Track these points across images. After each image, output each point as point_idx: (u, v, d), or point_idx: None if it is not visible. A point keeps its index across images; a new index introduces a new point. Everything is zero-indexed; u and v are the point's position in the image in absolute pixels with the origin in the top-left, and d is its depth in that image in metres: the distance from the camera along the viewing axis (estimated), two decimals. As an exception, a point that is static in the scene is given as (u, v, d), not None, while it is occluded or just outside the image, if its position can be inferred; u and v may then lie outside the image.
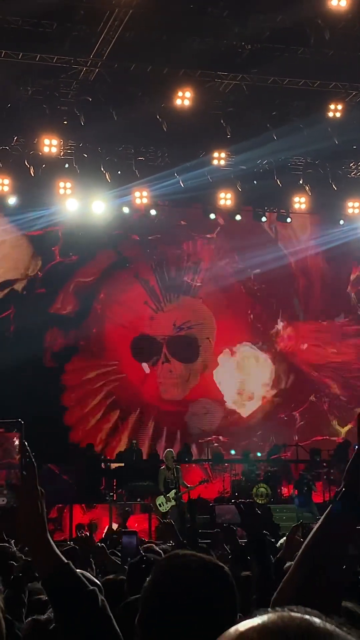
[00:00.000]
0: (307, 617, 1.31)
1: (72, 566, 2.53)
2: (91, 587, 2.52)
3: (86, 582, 2.52)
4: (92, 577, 3.97)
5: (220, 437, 24.28)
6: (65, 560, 2.53)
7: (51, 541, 2.52)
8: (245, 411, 24.73)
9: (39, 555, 2.55)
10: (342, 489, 2.36)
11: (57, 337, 23.62)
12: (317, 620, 1.31)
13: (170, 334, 24.50)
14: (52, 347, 23.50)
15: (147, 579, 2.43)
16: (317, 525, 2.40)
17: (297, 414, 25.05)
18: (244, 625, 1.33)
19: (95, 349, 24.02)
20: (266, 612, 1.33)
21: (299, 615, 1.32)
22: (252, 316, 25.25)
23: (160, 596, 2.37)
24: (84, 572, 4.44)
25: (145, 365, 24.26)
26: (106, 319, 24.15)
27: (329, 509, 2.40)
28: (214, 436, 24.29)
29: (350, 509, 2.36)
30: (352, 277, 25.96)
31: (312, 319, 25.63)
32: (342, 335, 25.80)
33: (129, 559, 6.04)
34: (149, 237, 24.28)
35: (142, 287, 24.41)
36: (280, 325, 25.33)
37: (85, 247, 23.39)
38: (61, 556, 2.53)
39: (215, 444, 24.05)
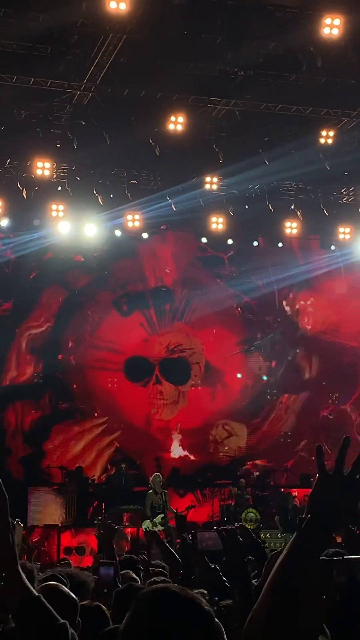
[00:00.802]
0: None
1: (43, 599, 2.51)
2: (61, 621, 2.49)
3: (56, 615, 2.50)
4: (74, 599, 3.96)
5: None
6: (36, 594, 2.51)
7: (22, 573, 2.50)
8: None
9: (9, 587, 2.52)
10: (307, 516, 2.39)
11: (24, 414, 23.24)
12: None
13: (163, 356, 24.51)
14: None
15: (128, 612, 2.40)
16: (284, 553, 2.42)
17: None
18: None
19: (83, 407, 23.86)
20: None
21: None
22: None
23: (138, 631, 2.33)
24: (60, 586, 4.40)
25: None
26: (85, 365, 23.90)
27: (294, 536, 2.44)
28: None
29: (316, 536, 2.39)
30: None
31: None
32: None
33: (105, 590, 6.00)
34: (141, 261, 24.38)
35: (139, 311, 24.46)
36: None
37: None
38: (32, 589, 2.51)
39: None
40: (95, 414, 23.78)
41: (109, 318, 24.16)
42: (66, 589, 4.56)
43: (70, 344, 23.84)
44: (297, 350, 25.76)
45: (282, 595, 2.35)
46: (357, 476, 2.44)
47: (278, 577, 2.38)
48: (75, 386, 23.89)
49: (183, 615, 2.32)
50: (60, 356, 23.75)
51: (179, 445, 24.31)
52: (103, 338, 24.08)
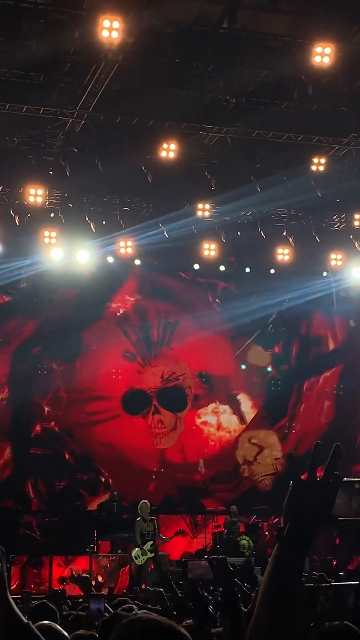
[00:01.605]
0: None
1: (32, 626, 2.49)
2: None
3: None
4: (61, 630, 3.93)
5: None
6: (25, 621, 2.50)
7: (11, 600, 2.49)
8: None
9: None
10: (285, 525, 2.43)
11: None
12: None
13: (158, 386, 24.41)
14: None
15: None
16: (269, 564, 2.46)
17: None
18: None
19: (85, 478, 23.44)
20: None
21: None
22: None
23: None
24: (53, 624, 4.40)
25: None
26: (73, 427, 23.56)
27: (276, 546, 2.48)
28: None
29: (297, 543, 2.44)
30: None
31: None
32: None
33: (95, 622, 5.97)
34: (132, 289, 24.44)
35: (127, 340, 24.33)
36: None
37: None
38: (21, 616, 2.49)
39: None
40: (102, 487, 23.28)
41: (81, 362, 23.72)
42: (59, 627, 4.59)
43: (46, 411, 23.28)
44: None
45: (277, 602, 2.39)
46: (330, 480, 2.48)
47: (268, 587, 2.42)
48: (67, 456, 23.34)
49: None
50: (38, 427, 23.22)
51: (208, 483, 24.05)
52: (84, 388, 23.67)
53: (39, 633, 2.51)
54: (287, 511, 2.50)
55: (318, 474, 2.50)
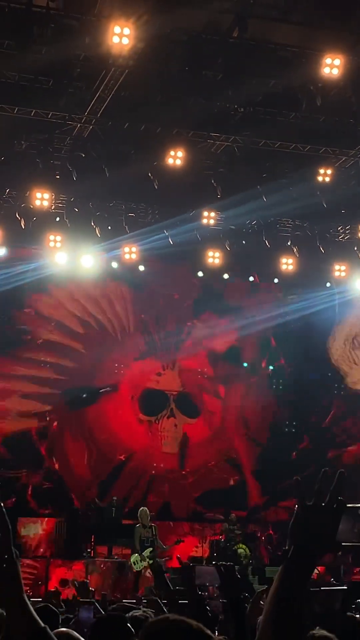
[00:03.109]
0: None
1: (49, 630, 2.51)
2: None
3: None
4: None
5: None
6: (42, 625, 2.51)
7: (28, 603, 2.51)
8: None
9: (15, 617, 2.53)
10: (290, 547, 2.53)
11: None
12: None
13: (177, 390, 24.63)
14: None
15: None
16: (274, 585, 2.53)
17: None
18: None
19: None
20: None
21: None
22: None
23: None
24: (71, 632, 4.43)
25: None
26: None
27: (281, 568, 2.54)
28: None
29: (301, 565, 2.52)
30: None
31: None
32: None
33: (84, 629, 5.97)
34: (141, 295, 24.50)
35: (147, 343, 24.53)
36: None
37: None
38: (38, 620, 2.51)
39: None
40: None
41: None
42: (77, 634, 4.62)
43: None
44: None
45: (280, 628, 2.44)
46: (335, 505, 2.56)
47: (272, 610, 2.48)
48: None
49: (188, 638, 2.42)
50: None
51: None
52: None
53: (54, 637, 2.52)
54: (292, 534, 2.56)
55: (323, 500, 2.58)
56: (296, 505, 2.61)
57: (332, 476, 2.60)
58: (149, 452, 23.99)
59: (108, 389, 23.87)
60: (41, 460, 22.97)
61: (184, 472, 24.19)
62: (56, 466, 23.05)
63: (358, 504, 2.75)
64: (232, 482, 24.60)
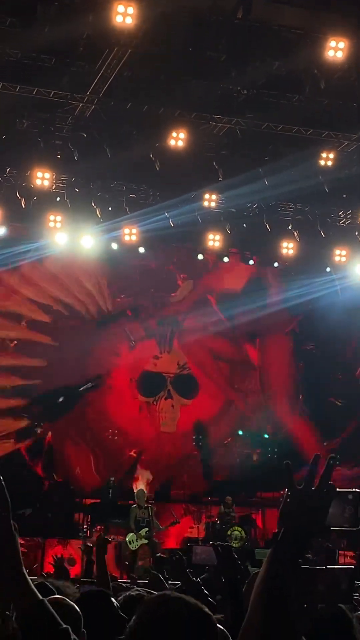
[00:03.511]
0: None
1: (47, 603, 2.51)
2: (64, 626, 2.51)
3: (59, 620, 2.52)
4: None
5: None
6: (40, 598, 2.52)
7: (27, 577, 2.51)
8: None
9: (14, 591, 2.54)
10: (280, 530, 2.56)
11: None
12: None
13: (175, 372, 24.71)
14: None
15: (133, 618, 2.46)
16: (263, 567, 2.56)
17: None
18: None
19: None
20: None
21: None
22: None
23: (143, 637, 2.41)
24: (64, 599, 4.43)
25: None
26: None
27: (270, 550, 2.58)
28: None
29: (290, 549, 2.54)
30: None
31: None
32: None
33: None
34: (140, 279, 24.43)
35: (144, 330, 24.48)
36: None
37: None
38: (37, 593, 2.52)
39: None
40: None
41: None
42: (71, 602, 4.61)
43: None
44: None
45: (269, 608, 2.46)
46: (324, 490, 2.60)
47: (261, 591, 2.50)
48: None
49: (190, 623, 2.42)
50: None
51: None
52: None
53: (53, 610, 2.52)
54: (282, 518, 2.60)
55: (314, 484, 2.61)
56: (286, 489, 2.63)
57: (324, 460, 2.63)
58: (160, 440, 24.00)
59: (89, 385, 23.19)
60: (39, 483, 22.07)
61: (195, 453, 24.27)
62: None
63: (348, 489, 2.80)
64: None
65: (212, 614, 2.46)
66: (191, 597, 2.48)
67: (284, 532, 2.55)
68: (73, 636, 2.52)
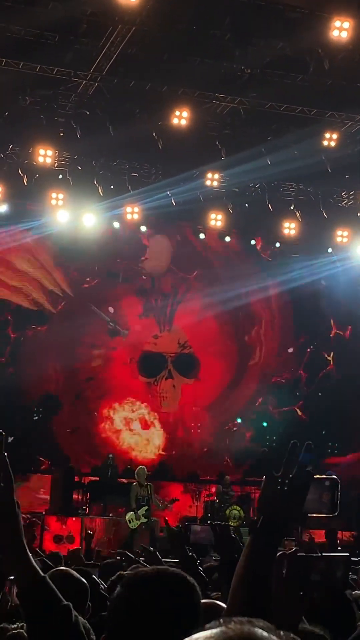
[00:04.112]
0: (254, 629, 1.46)
1: (49, 580, 2.54)
2: (65, 602, 2.54)
3: (60, 597, 2.54)
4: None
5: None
6: (42, 574, 2.55)
7: (29, 553, 2.54)
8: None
9: (16, 567, 2.57)
10: (259, 518, 2.58)
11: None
12: (261, 632, 1.46)
13: (175, 351, 24.78)
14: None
15: (113, 595, 2.49)
16: (243, 553, 2.59)
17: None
18: (198, 636, 1.46)
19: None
20: (218, 624, 1.49)
21: (246, 627, 1.47)
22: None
23: (124, 609, 2.43)
24: (71, 571, 4.47)
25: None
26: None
27: (250, 538, 2.61)
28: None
29: (269, 536, 2.57)
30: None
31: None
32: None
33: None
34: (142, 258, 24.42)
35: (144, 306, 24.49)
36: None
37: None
38: (38, 570, 2.55)
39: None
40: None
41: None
42: (77, 574, 4.65)
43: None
44: None
45: (250, 592, 2.51)
46: (302, 476, 2.61)
47: (243, 578, 2.54)
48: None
49: (168, 589, 2.46)
50: None
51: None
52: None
53: (54, 587, 2.55)
54: (260, 505, 2.62)
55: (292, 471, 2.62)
56: (264, 476, 2.65)
57: (301, 447, 2.64)
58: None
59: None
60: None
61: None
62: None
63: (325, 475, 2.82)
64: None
65: (195, 585, 2.49)
66: (176, 569, 2.53)
67: (263, 519, 2.58)
68: (74, 613, 2.56)
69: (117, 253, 24.10)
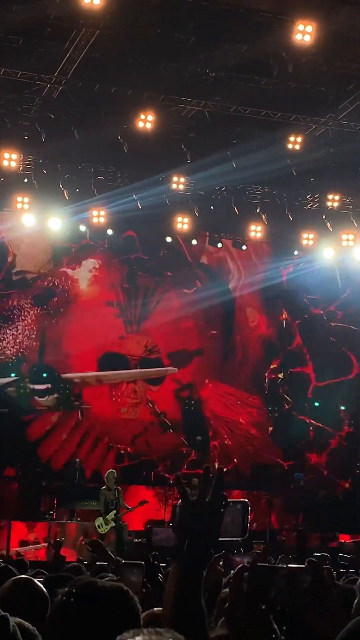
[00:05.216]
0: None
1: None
2: (3, 613, 2.51)
3: None
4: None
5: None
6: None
7: None
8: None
9: None
10: (181, 545, 2.52)
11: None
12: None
13: (141, 355, 24.18)
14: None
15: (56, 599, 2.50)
16: (169, 581, 2.55)
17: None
18: None
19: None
20: (131, 635, 1.57)
21: (154, 638, 1.56)
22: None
23: (61, 620, 2.44)
24: (31, 579, 4.40)
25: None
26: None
27: (173, 566, 2.58)
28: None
29: (190, 563, 2.52)
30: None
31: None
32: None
33: None
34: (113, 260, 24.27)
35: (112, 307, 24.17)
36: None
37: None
38: None
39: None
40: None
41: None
42: (39, 583, 4.51)
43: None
44: None
45: (182, 613, 2.47)
46: (217, 502, 2.57)
47: (173, 602, 2.49)
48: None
49: (104, 602, 2.48)
50: None
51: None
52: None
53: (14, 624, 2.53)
54: (177, 532, 2.57)
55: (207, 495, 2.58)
56: (179, 501, 2.60)
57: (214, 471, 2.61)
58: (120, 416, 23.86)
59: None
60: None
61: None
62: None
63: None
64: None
65: (134, 598, 2.49)
66: (115, 583, 2.55)
67: (187, 545, 2.52)
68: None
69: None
